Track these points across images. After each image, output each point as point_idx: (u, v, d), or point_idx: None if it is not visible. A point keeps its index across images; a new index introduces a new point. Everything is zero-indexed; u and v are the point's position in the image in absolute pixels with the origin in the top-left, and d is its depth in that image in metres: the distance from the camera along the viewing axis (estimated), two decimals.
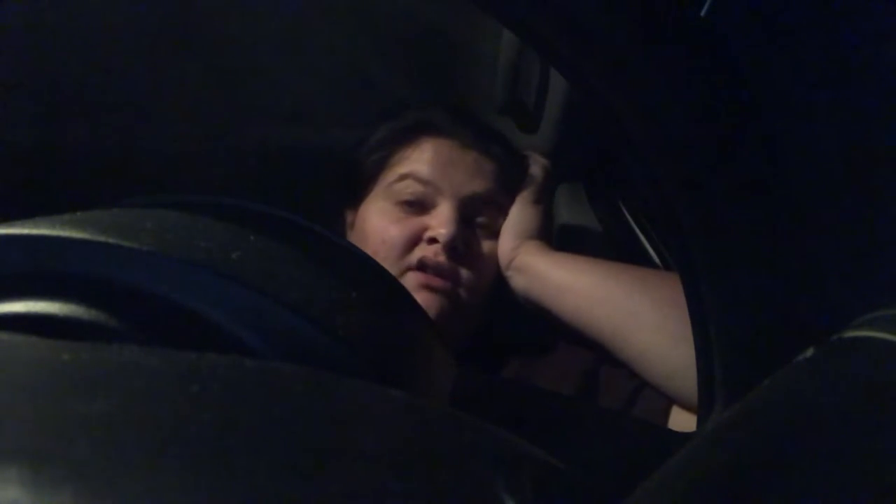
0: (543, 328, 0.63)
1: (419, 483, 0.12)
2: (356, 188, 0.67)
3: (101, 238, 0.18)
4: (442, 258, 0.57)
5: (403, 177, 0.61)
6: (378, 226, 0.61)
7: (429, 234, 0.58)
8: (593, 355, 0.60)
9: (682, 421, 0.50)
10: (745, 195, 0.27)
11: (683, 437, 0.33)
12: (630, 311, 0.51)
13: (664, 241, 0.73)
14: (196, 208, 0.22)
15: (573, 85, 0.29)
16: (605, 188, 0.83)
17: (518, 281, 0.60)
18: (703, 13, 0.24)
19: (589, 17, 0.25)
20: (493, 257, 0.61)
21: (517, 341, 0.66)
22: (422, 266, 0.57)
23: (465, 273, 0.59)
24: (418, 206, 0.60)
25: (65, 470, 0.10)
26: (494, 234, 0.62)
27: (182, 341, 0.17)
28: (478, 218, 0.62)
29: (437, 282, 0.57)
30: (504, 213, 0.63)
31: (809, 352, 0.20)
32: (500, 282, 0.62)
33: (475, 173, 0.61)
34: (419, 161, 0.61)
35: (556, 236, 0.83)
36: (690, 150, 0.27)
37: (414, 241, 0.59)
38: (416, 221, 0.60)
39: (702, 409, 0.32)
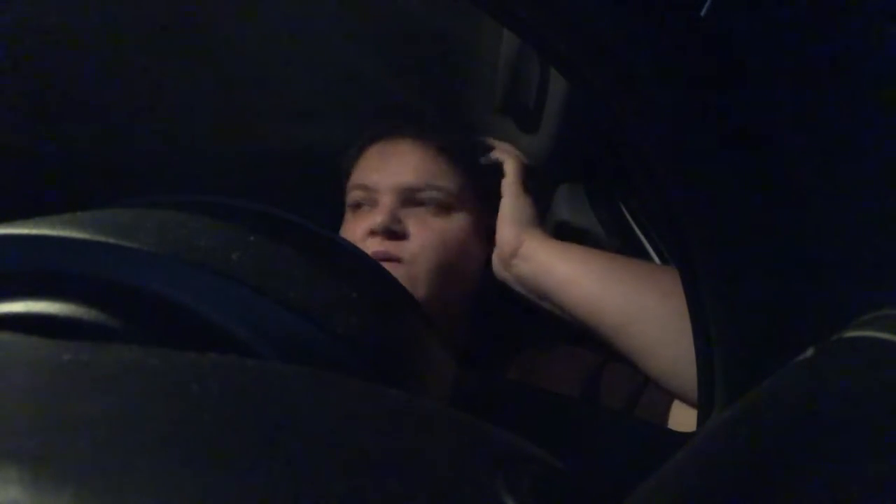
0: (544, 328, 0.63)
1: (419, 483, 0.12)
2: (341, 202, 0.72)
3: (101, 238, 0.18)
4: (385, 244, 0.61)
5: (353, 187, 0.67)
6: (344, 231, 0.67)
7: (370, 227, 0.62)
8: (595, 356, 0.60)
9: (682, 421, 0.50)
10: (746, 195, 0.27)
11: (683, 436, 0.33)
12: (638, 303, 0.51)
13: (664, 241, 0.73)
14: (196, 208, 0.22)
15: (573, 85, 0.29)
16: (605, 188, 0.83)
17: (523, 269, 0.61)
18: (702, 13, 0.24)
19: (588, 17, 0.25)
20: (440, 233, 0.63)
21: (518, 342, 0.66)
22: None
23: (411, 247, 0.61)
24: (366, 207, 0.65)
25: (65, 470, 0.10)
26: (438, 213, 0.64)
27: (182, 341, 0.17)
28: (419, 200, 0.64)
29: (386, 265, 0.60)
30: (444, 193, 0.64)
31: (809, 352, 0.20)
32: (472, 266, 0.65)
33: (405, 164, 0.65)
34: (363, 169, 0.67)
35: (556, 236, 0.83)
36: (691, 150, 0.27)
37: (364, 239, 0.63)
38: (364, 220, 0.64)
39: (702, 409, 0.32)
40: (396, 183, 0.63)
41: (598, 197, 0.82)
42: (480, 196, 0.66)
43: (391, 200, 0.63)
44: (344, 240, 0.26)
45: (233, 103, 0.75)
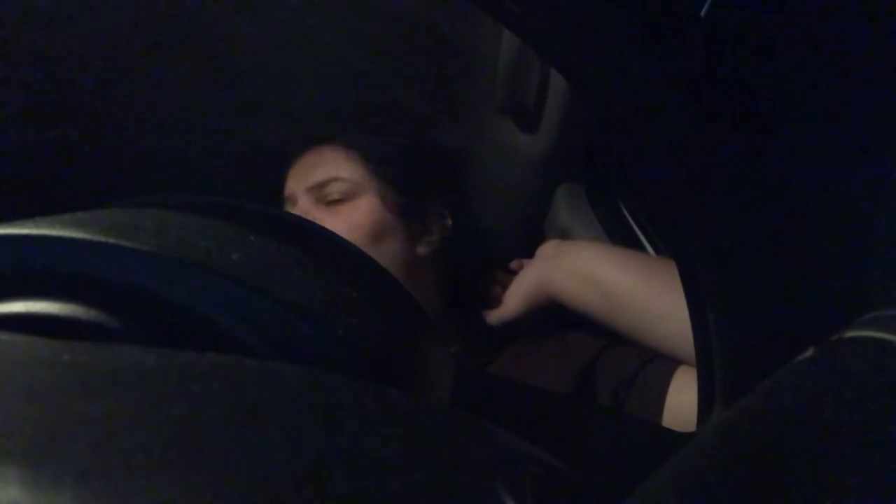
0: (543, 317, 0.65)
1: (419, 483, 0.12)
2: None
3: (101, 238, 0.18)
4: None
5: (284, 201, 0.73)
6: None
7: None
8: (590, 343, 0.63)
9: (676, 405, 0.51)
10: (746, 195, 0.27)
11: (683, 436, 0.33)
12: (652, 270, 0.57)
13: (664, 241, 0.73)
14: (196, 208, 0.22)
15: (573, 85, 0.29)
16: (605, 188, 0.83)
17: (552, 247, 0.67)
18: (703, 13, 0.24)
19: (588, 17, 0.25)
20: (347, 217, 0.68)
21: (516, 328, 0.68)
22: None
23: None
24: None
25: (65, 470, 0.10)
26: (345, 200, 0.70)
27: (182, 341, 0.17)
28: (326, 196, 0.70)
29: None
30: (347, 183, 0.70)
31: (809, 352, 0.20)
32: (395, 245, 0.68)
33: (311, 166, 0.72)
34: (286, 182, 0.74)
35: (556, 237, 0.83)
36: (690, 151, 0.27)
37: None
38: None
39: (702, 409, 0.32)
40: (306, 185, 0.71)
41: (598, 197, 0.82)
42: (386, 173, 0.71)
43: (306, 201, 0.70)
44: (344, 240, 0.26)
45: (232, 103, 0.75)
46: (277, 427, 0.13)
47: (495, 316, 0.69)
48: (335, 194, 0.70)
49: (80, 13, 0.63)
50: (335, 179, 0.70)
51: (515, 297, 0.67)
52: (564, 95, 0.71)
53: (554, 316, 0.64)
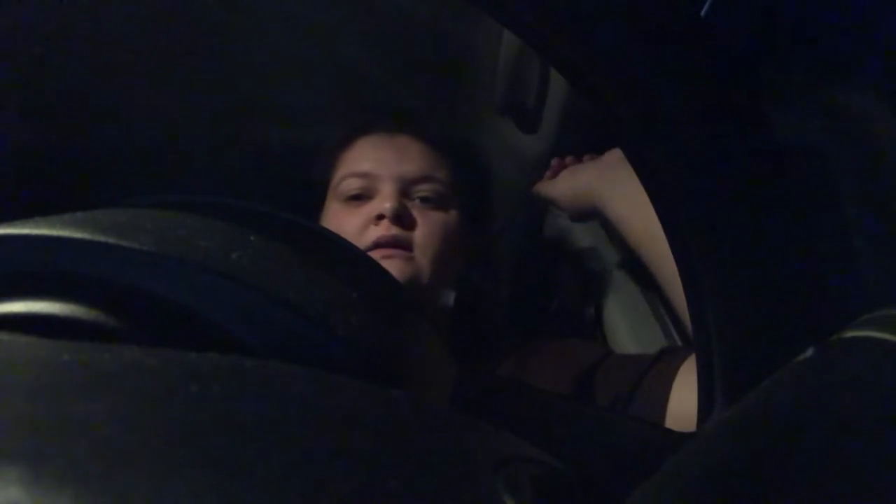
0: (540, 325, 0.64)
1: (419, 483, 0.12)
2: (314, 199, 0.71)
3: (101, 238, 0.18)
4: (393, 230, 0.61)
5: (344, 177, 0.66)
6: (334, 225, 0.65)
7: (375, 212, 0.62)
8: (592, 351, 0.62)
9: (678, 413, 0.51)
10: (746, 194, 0.27)
11: (683, 437, 0.33)
12: None
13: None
14: (196, 208, 0.22)
15: (573, 85, 0.29)
16: None
17: (620, 159, 0.62)
18: (702, 13, 0.24)
19: (589, 17, 0.25)
20: (441, 225, 0.64)
21: (511, 339, 0.67)
22: (378, 245, 0.61)
23: (417, 237, 0.63)
24: (364, 197, 0.65)
25: (65, 470, 0.10)
26: (437, 206, 0.65)
27: (182, 341, 0.17)
28: (417, 192, 0.65)
29: (394, 251, 0.61)
30: (443, 186, 0.66)
31: (809, 352, 0.20)
32: (460, 254, 0.66)
33: (405, 155, 0.66)
34: (355, 159, 0.67)
35: (556, 237, 0.83)
36: (691, 150, 0.27)
37: (366, 226, 0.63)
38: (365, 209, 0.64)
39: (702, 409, 0.32)
40: (398, 172, 0.64)
41: None
42: (465, 192, 0.68)
43: (395, 189, 0.63)
44: (344, 240, 0.26)
45: (231, 103, 0.75)
46: (277, 427, 0.13)
47: (539, 189, 0.68)
48: (426, 193, 0.65)
49: (82, 15, 0.63)
50: (432, 179, 0.65)
51: (566, 188, 0.66)
52: (564, 95, 0.71)
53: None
